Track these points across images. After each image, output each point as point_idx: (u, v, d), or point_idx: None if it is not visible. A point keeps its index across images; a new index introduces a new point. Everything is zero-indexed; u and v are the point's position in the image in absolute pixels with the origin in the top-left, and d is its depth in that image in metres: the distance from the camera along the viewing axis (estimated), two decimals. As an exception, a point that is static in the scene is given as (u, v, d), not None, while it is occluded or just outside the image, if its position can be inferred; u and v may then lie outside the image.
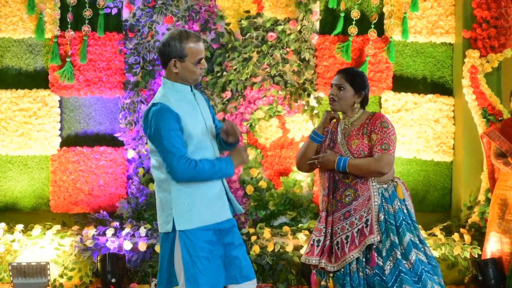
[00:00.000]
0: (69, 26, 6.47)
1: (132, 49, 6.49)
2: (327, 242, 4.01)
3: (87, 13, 6.47)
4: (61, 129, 6.59)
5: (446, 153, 6.72)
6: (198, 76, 3.63)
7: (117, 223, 6.25)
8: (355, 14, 6.61)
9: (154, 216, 6.42)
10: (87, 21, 6.48)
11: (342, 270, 3.98)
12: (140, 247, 6.07)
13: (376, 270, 3.93)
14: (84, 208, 6.56)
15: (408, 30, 6.64)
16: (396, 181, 4.09)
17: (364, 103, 4.14)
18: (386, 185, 4.05)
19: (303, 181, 6.62)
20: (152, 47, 6.47)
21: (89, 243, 6.11)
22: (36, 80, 6.59)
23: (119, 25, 6.58)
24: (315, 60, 6.62)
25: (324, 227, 4.04)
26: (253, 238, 6.12)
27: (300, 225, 6.46)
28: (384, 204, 4.00)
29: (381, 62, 6.65)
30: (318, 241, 4.04)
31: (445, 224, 6.53)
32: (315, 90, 6.58)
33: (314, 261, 4.03)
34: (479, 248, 6.21)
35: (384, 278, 3.90)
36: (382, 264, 3.92)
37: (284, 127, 6.62)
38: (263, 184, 6.54)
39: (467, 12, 6.65)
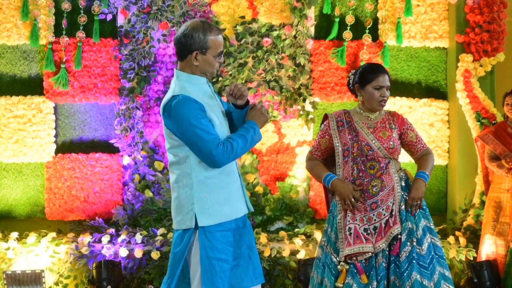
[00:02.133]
0: (63, 32, 6.50)
1: (127, 55, 6.52)
2: (370, 229, 4.08)
3: (82, 19, 6.50)
4: (56, 136, 6.61)
5: (441, 156, 6.83)
6: (215, 69, 3.57)
7: (113, 230, 6.28)
8: (349, 19, 6.71)
9: (150, 222, 6.47)
10: (81, 27, 6.52)
11: (365, 262, 4.06)
12: (136, 254, 6.10)
13: (393, 258, 4.04)
14: (80, 215, 6.58)
15: (402, 35, 6.75)
16: (404, 169, 4.27)
17: None
18: (401, 174, 4.21)
19: (300, 186, 6.70)
20: (147, 53, 6.51)
21: (84, 250, 6.13)
22: (31, 86, 6.61)
23: (114, 31, 6.62)
24: (310, 65, 6.71)
25: (365, 217, 4.09)
26: (250, 242, 6.20)
27: (296, 230, 6.53)
28: (402, 193, 4.15)
29: (375, 67, 6.74)
30: (366, 229, 4.08)
31: (441, 227, 6.64)
32: (310, 95, 6.67)
33: (368, 248, 4.04)
34: (474, 250, 6.30)
35: (399, 264, 4.01)
36: (398, 252, 4.05)
37: (280, 132, 6.71)
38: (259, 189, 6.61)
39: (460, 17, 6.79)
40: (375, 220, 4.07)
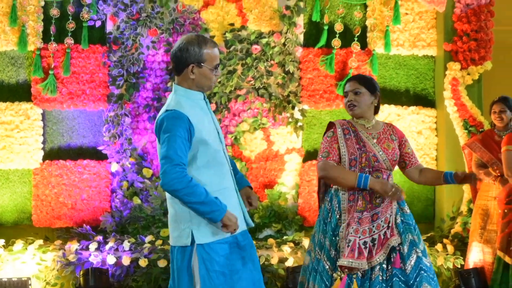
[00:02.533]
0: (52, 38, 6.49)
1: (116, 61, 6.52)
2: (368, 244, 4.06)
3: (71, 25, 6.50)
4: (43, 142, 6.59)
5: (429, 164, 6.87)
6: (213, 83, 3.58)
7: (101, 237, 6.26)
8: (338, 27, 6.76)
9: (138, 229, 6.47)
10: (70, 34, 6.51)
11: (360, 274, 4.03)
12: (124, 261, 6.08)
13: (395, 271, 4.02)
14: (67, 222, 6.55)
15: (391, 43, 6.82)
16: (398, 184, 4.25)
17: (376, 108, 4.31)
18: None
19: (288, 193, 6.73)
20: (136, 60, 6.52)
21: (71, 257, 6.10)
22: (19, 93, 6.59)
23: (103, 38, 6.61)
24: (299, 72, 6.75)
25: (368, 228, 4.06)
26: (239, 250, 6.21)
27: (285, 237, 6.54)
28: (398, 206, 4.16)
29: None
30: (365, 243, 4.03)
31: (429, 234, 6.68)
32: (299, 103, 6.71)
33: (364, 265, 3.99)
34: (462, 258, 6.35)
35: (403, 279, 3.99)
36: (402, 265, 4.03)
37: (268, 139, 6.73)
38: (248, 196, 6.61)
39: (448, 25, 6.86)
40: (374, 231, 4.06)
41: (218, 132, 3.61)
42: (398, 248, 4.05)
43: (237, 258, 3.54)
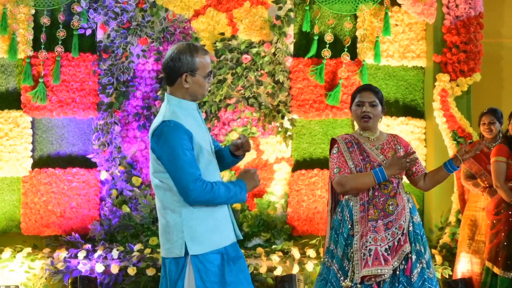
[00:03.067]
0: (42, 46, 6.54)
1: (106, 70, 6.56)
2: (389, 251, 4.07)
3: (61, 33, 6.55)
4: (33, 150, 6.62)
5: (418, 175, 6.92)
6: (206, 91, 3.54)
7: (89, 246, 6.29)
8: (328, 38, 6.82)
9: (127, 238, 6.48)
10: (60, 42, 6.55)
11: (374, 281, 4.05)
12: (113, 270, 6.10)
13: (402, 278, 4.04)
14: (56, 231, 6.58)
15: (381, 54, 6.87)
16: (409, 192, 4.29)
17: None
18: (407, 196, 4.23)
19: (277, 202, 6.76)
20: (126, 68, 6.56)
21: (60, 265, 6.12)
22: (8, 100, 6.63)
23: (93, 46, 6.66)
24: (289, 82, 6.79)
25: (386, 236, 4.06)
26: (228, 259, 6.22)
27: (274, 246, 6.56)
28: (410, 215, 4.16)
29: (354, 85, 6.82)
30: (386, 250, 4.04)
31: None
32: (289, 112, 6.75)
33: (387, 271, 4.01)
34: (450, 268, 6.38)
35: (409, 285, 4.02)
36: (409, 273, 4.05)
37: (258, 148, 6.76)
38: (237, 205, 6.62)
39: (437, 37, 6.92)
40: (389, 239, 4.09)
41: (210, 142, 3.59)
42: (409, 256, 4.09)
43: (229, 269, 3.50)
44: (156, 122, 3.45)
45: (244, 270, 3.59)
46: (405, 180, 4.35)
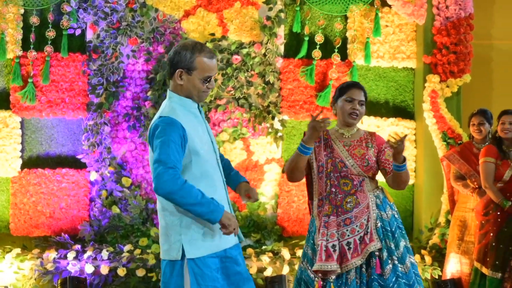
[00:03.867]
0: (31, 46, 6.54)
1: (95, 70, 6.55)
2: (337, 246, 4.10)
3: (50, 33, 6.54)
4: (22, 151, 6.61)
5: (408, 175, 6.97)
6: (203, 94, 3.47)
7: (79, 246, 6.29)
8: (319, 38, 6.85)
9: (117, 239, 6.50)
10: (49, 42, 6.55)
11: (332, 278, 4.09)
12: (102, 271, 6.12)
13: (375, 276, 4.08)
14: (45, 231, 6.58)
15: (371, 55, 6.90)
16: (381, 187, 4.31)
17: None
18: (377, 193, 4.25)
19: (267, 203, 6.79)
20: (116, 69, 6.56)
21: (49, 266, 6.13)
22: (-3, 100, 6.61)
23: (83, 46, 6.66)
24: (280, 83, 6.82)
25: (336, 232, 4.11)
26: (217, 260, 6.25)
27: (264, 247, 6.58)
28: (378, 211, 4.19)
29: (344, 86, 6.87)
30: (334, 246, 4.09)
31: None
32: (279, 113, 6.78)
33: (334, 267, 4.05)
34: (440, 269, 6.43)
35: (383, 284, 4.06)
36: (381, 270, 4.10)
37: (248, 149, 6.79)
38: (227, 206, 6.65)
39: (427, 38, 6.96)
40: (348, 235, 4.13)
41: (212, 142, 3.55)
42: (377, 254, 4.12)
43: (227, 272, 3.48)
44: (154, 118, 3.46)
45: (245, 272, 3.55)
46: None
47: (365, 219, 4.14)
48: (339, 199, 4.18)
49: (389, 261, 4.12)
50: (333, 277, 4.10)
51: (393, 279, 4.09)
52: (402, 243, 4.19)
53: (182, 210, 3.34)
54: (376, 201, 4.23)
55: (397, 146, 4.00)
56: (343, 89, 4.29)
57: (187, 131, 3.36)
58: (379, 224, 4.17)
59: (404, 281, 4.10)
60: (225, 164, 3.77)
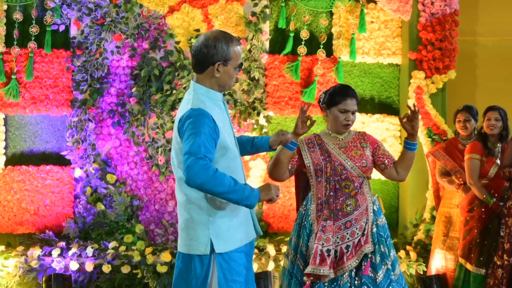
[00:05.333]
0: (15, 42, 6.51)
1: (80, 66, 6.54)
2: (332, 252, 4.12)
3: (34, 29, 6.53)
4: (6, 148, 6.60)
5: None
6: (232, 83, 3.51)
7: (64, 243, 6.30)
8: (304, 34, 6.88)
9: (102, 235, 6.50)
10: (33, 38, 6.54)
11: (325, 283, 4.12)
12: (87, 267, 6.14)
13: (365, 280, 4.12)
14: (30, 228, 6.58)
15: (356, 51, 6.94)
16: (377, 195, 4.38)
17: None
18: (374, 198, 4.30)
19: (253, 200, 6.81)
20: (100, 65, 6.55)
21: (34, 263, 6.15)
22: (-20, 97, 6.59)
23: (67, 42, 6.65)
24: (265, 79, 6.84)
25: (332, 236, 4.14)
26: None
27: (249, 243, 6.62)
28: (374, 216, 4.24)
29: (329, 82, 6.90)
30: (328, 250, 4.11)
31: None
32: (264, 109, 6.80)
33: (326, 272, 4.07)
34: (425, 265, 6.49)
35: (374, 286, 4.10)
36: (373, 274, 4.13)
37: (233, 146, 6.80)
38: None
39: (413, 34, 7.00)
40: (348, 238, 4.17)
41: (233, 135, 3.56)
42: (370, 256, 4.16)
43: (248, 267, 3.52)
44: (183, 110, 3.40)
45: (252, 265, 3.61)
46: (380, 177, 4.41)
47: (364, 222, 4.19)
48: (340, 202, 4.21)
49: (383, 265, 4.17)
50: (326, 282, 4.13)
51: (386, 283, 4.13)
52: (392, 251, 4.27)
53: (210, 204, 3.35)
54: (373, 207, 4.28)
55: (412, 117, 4.16)
56: (337, 98, 4.30)
57: (218, 125, 3.36)
58: (374, 229, 4.21)
59: (396, 286, 4.13)
60: (244, 140, 3.78)
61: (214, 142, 3.32)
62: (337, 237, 4.17)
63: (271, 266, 6.35)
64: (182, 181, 3.34)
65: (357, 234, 4.17)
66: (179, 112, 3.43)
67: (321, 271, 4.08)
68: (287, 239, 6.64)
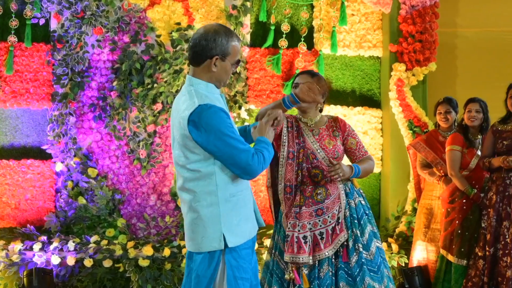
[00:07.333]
0: (-6, 36, 6.55)
1: (60, 60, 6.53)
2: (308, 238, 4.11)
3: (14, 23, 6.51)
4: (-14, 142, 6.62)
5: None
6: (228, 79, 3.48)
7: (45, 238, 6.30)
8: (285, 28, 6.87)
9: (84, 229, 6.48)
10: (13, 32, 6.51)
11: (303, 269, 4.11)
12: (69, 262, 6.14)
13: (341, 264, 4.12)
14: (11, 223, 6.56)
15: (337, 44, 6.95)
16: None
17: (320, 109, 4.36)
18: (345, 181, 4.27)
19: (236, 192, 6.76)
20: (81, 58, 6.54)
21: (15, 258, 6.13)
22: (-40, 91, 6.60)
23: (47, 36, 6.63)
24: (246, 72, 6.84)
25: (307, 222, 4.12)
26: (184, 250, 6.22)
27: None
28: (347, 199, 4.23)
29: (311, 75, 6.87)
30: (305, 237, 4.10)
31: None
32: (246, 103, 6.80)
33: (306, 259, 4.07)
34: (406, 257, 6.53)
35: (349, 272, 4.10)
36: (347, 259, 4.13)
37: (215, 139, 6.75)
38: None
39: (393, 27, 7.02)
40: (320, 226, 4.17)
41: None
42: (345, 243, 4.17)
43: (255, 262, 3.50)
44: (188, 108, 3.30)
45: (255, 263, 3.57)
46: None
47: (336, 210, 4.19)
48: (310, 190, 4.21)
49: (355, 250, 4.17)
50: (305, 270, 4.10)
51: (358, 267, 4.13)
52: (368, 229, 4.24)
53: (221, 198, 3.32)
54: (345, 189, 4.26)
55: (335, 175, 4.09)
56: (297, 78, 4.33)
57: (229, 114, 3.35)
58: (347, 213, 4.21)
59: (368, 267, 4.11)
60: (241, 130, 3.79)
61: (236, 131, 3.34)
62: (309, 223, 4.16)
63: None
64: (188, 180, 3.33)
65: (329, 222, 4.16)
66: (184, 109, 3.31)
67: (300, 258, 4.08)
68: (269, 232, 6.63)
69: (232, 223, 3.33)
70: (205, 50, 3.32)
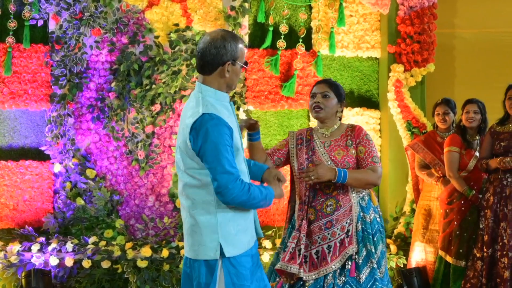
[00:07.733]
0: (-8, 37, 6.56)
1: (58, 61, 6.53)
2: (302, 251, 4.08)
3: (12, 24, 6.51)
4: (-16, 143, 6.63)
5: (372, 165, 6.97)
6: (238, 81, 3.47)
7: (43, 239, 6.30)
8: (283, 28, 6.87)
9: (82, 230, 6.48)
10: (11, 33, 6.51)
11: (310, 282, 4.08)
12: (67, 263, 6.14)
13: (348, 279, 4.03)
14: (9, 224, 6.55)
15: (335, 45, 6.95)
16: (368, 189, 4.24)
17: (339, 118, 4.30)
18: (362, 194, 4.18)
19: (234, 193, 6.75)
20: (79, 60, 6.54)
21: (13, 259, 6.14)
22: (-41, 92, 6.62)
23: (45, 37, 6.64)
24: (245, 73, 6.84)
25: (304, 236, 4.08)
26: (182, 252, 6.21)
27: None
28: (361, 213, 4.13)
29: (309, 76, 6.91)
30: (300, 250, 4.06)
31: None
32: (244, 104, 6.80)
33: (294, 270, 4.04)
34: (405, 257, 6.52)
35: (358, 286, 4.00)
36: (356, 274, 4.04)
37: (213, 140, 6.74)
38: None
39: (391, 28, 7.02)
40: (329, 239, 4.11)
41: (240, 137, 3.48)
42: (354, 257, 4.09)
43: (256, 270, 3.46)
44: (194, 114, 3.30)
45: (261, 266, 3.54)
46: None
47: (346, 222, 4.11)
48: (320, 203, 4.16)
49: (368, 264, 4.09)
50: (307, 283, 4.08)
51: (370, 283, 4.04)
52: (380, 247, 4.17)
53: (219, 208, 3.31)
54: (360, 203, 4.17)
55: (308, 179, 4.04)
56: (312, 88, 4.31)
57: (232, 129, 3.31)
58: (360, 227, 4.13)
59: (380, 285, 4.02)
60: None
61: (232, 150, 3.29)
62: (318, 237, 4.12)
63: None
64: (188, 186, 3.33)
65: (338, 234, 4.09)
66: (189, 116, 3.32)
67: (289, 268, 4.05)
68: (268, 233, 6.70)
69: (230, 233, 3.31)
70: (217, 58, 3.31)
